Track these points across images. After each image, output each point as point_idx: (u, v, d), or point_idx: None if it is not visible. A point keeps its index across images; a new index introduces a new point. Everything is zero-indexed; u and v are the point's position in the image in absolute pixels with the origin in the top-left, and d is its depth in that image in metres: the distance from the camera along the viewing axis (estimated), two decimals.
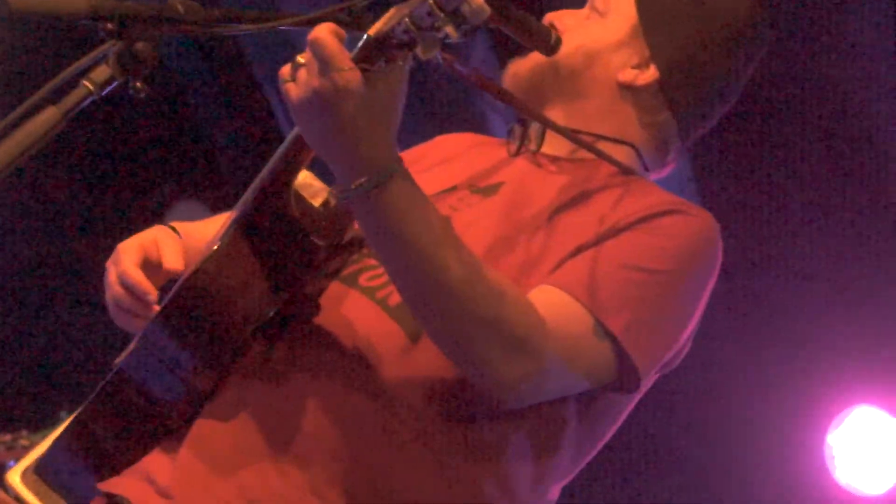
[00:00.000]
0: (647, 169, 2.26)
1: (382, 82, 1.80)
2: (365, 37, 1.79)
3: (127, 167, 5.89)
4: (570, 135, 2.18)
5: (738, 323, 4.49)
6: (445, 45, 1.77)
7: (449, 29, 1.71)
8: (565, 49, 2.12)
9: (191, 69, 5.89)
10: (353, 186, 1.83)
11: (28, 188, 5.50)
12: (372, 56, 1.78)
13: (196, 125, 6.05)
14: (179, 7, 1.83)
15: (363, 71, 1.78)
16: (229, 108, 5.97)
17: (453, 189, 2.19)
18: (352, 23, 1.92)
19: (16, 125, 1.73)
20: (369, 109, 1.79)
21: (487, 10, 1.72)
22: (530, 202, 2.14)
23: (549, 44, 2.07)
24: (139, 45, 1.79)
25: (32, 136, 1.74)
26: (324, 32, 1.79)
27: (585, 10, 2.31)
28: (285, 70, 1.84)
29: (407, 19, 1.73)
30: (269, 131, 5.54)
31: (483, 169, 2.25)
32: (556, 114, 2.22)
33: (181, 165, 5.98)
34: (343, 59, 1.77)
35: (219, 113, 6.02)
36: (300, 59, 1.81)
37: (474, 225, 2.08)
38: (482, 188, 2.20)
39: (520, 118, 2.29)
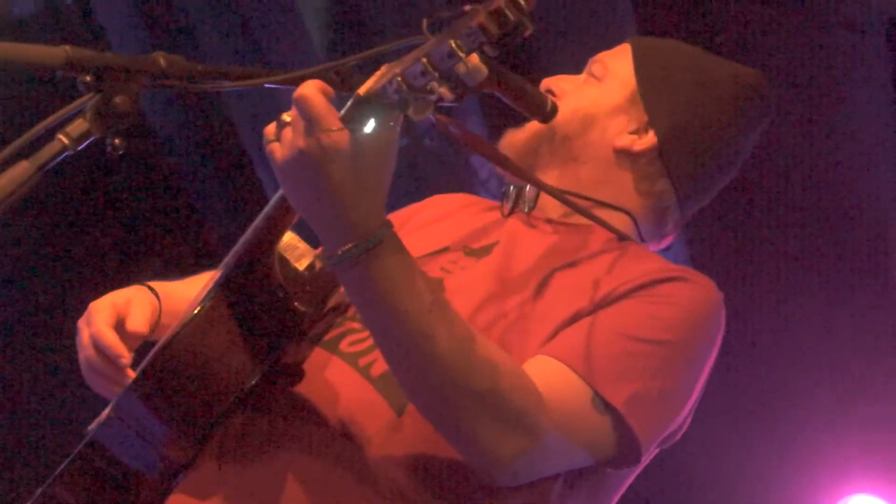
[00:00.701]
0: (643, 239, 2.23)
1: (372, 144, 1.74)
2: (354, 95, 1.74)
3: (104, 221, 5.85)
4: (564, 197, 2.14)
5: (733, 406, 4.44)
6: (438, 108, 1.72)
7: (443, 90, 1.67)
8: (562, 114, 2.09)
9: (173, 122, 5.89)
10: (339, 252, 1.77)
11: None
12: (361, 116, 1.73)
13: (178, 180, 6.04)
14: (161, 61, 1.79)
15: (352, 131, 1.72)
16: (212, 165, 5.97)
17: (445, 250, 2.16)
18: (340, 82, 1.88)
19: None
20: (358, 172, 1.73)
21: (484, 71, 1.68)
22: (523, 263, 2.10)
23: (546, 111, 2.04)
24: (118, 99, 1.74)
25: (4, 191, 1.68)
26: (310, 90, 1.73)
27: (583, 76, 2.29)
28: (270, 129, 1.78)
29: (399, 78, 1.68)
30: (254, 191, 5.53)
31: (476, 230, 2.21)
32: (551, 178, 2.19)
33: (161, 221, 5.95)
34: (330, 118, 1.72)
35: (202, 169, 6.01)
36: (285, 117, 1.76)
37: (466, 288, 2.04)
38: (475, 250, 2.16)
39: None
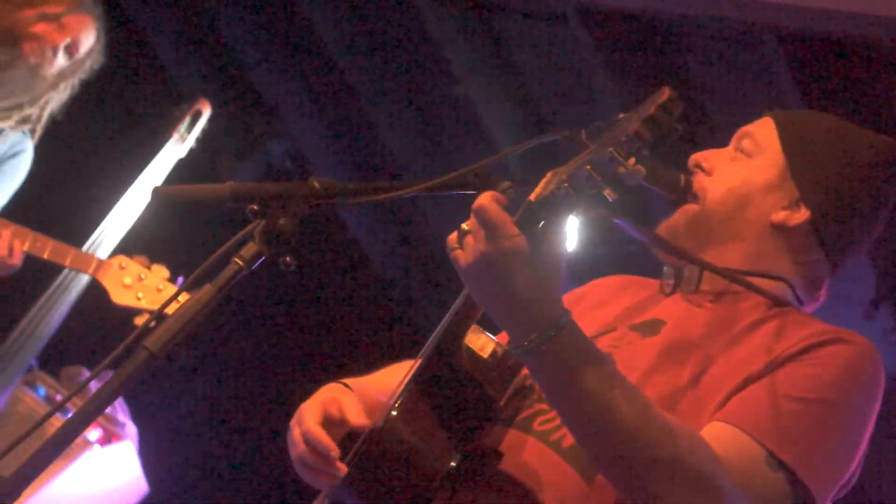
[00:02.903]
0: (801, 302, 2.31)
1: (546, 243, 1.90)
2: (526, 202, 1.90)
3: (308, 325, 6.10)
4: (730, 275, 2.23)
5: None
6: (605, 204, 1.87)
7: (607, 191, 1.83)
8: (717, 194, 2.24)
9: (368, 228, 6.13)
10: (525, 343, 1.92)
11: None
12: (533, 219, 1.89)
13: (375, 279, 6.26)
14: (316, 184, 1.98)
15: (526, 234, 1.88)
16: (408, 265, 6.17)
17: (612, 329, 2.28)
18: (480, 184, 2.06)
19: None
20: (535, 269, 1.89)
21: (643, 171, 1.83)
22: (689, 338, 2.20)
23: (679, 186, 2.21)
24: (282, 222, 1.93)
25: (192, 312, 1.89)
26: (487, 200, 1.90)
27: (730, 150, 2.37)
28: (452, 238, 1.95)
29: (566, 184, 1.85)
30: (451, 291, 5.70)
31: (638, 308, 2.33)
32: (710, 255, 2.27)
33: (360, 322, 6.16)
34: (507, 223, 1.88)
35: (395, 267, 6.23)
36: (465, 226, 1.92)
37: (635, 362, 2.16)
38: (639, 325, 2.27)
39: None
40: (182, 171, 4.58)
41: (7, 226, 3.81)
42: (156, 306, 3.77)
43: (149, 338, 1.86)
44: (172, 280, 3.82)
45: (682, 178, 2.26)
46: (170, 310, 3.56)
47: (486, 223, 1.88)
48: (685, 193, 2.25)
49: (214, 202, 1.93)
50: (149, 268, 3.82)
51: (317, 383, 2.34)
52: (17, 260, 3.81)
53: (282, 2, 5.56)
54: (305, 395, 2.28)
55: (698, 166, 2.32)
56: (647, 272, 2.47)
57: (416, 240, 6.04)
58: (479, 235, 1.89)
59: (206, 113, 4.66)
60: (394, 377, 2.27)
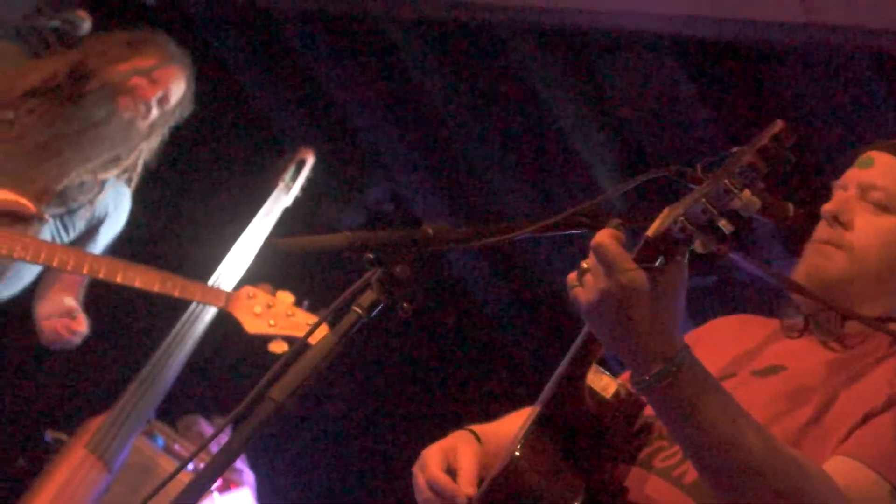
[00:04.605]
0: None
1: (664, 278, 1.90)
2: (644, 237, 1.91)
3: (426, 372, 6.14)
4: (877, 325, 2.23)
5: None
6: (721, 237, 1.87)
7: (723, 223, 1.83)
8: (873, 254, 2.26)
9: (482, 275, 6.16)
10: (647, 378, 1.93)
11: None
12: (652, 254, 1.90)
13: (494, 328, 6.28)
14: (430, 230, 2.01)
15: (645, 269, 1.89)
16: (523, 309, 6.18)
17: (733, 375, 2.28)
18: (590, 223, 2.10)
19: (299, 353, 1.92)
20: (655, 305, 1.90)
21: (758, 203, 1.83)
22: (813, 383, 2.20)
23: (788, 215, 2.20)
24: (398, 269, 1.96)
25: (315, 360, 1.93)
26: (605, 238, 1.91)
27: (854, 195, 2.36)
28: (572, 277, 1.96)
29: (682, 218, 1.85)
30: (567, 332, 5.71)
31: (758, 352, 2.33)
32: (857, 305, 2.27)
33: (480, 367, 6.19)
34: (626, 260, 1.89)
35: (514, 314, 6.24)
36: (584, 264, 1.93)
37: (756, 406, 2.14)
38: (761, 371, 2.28)
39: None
40: (285, 215, 4.65)
41: (130, 267, 3.88)
42: (289, 332, 3.83)
43: (274, 389, 1.89)
44: (298, 304, 3.87)
45: (791, 208, 2.25)
46: (277, 348, 3.72)
47: (605, 260, 1.90)
48: (792, 221, 2.24)
49: (332, 252, 1.96)
50: (274, 295, 3.87)
51: (432, 427, 2.38)
52: (83, 327, 3.91)
53: (378, 48, 5.62)
54: (421, 439, 2.31)
55: (836, 219, 2.32)
56: (735, 297, 2.44)
57: (520, 277, 6.06)
58: (598, 272, 1.91)
59: (310, 161, 4.73)
60: (517, 421, 2.29)
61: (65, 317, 4.05)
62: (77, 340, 4.12)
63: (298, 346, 1.95)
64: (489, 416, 2.47)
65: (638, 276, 1.88)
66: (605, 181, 5.29)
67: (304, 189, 4.71)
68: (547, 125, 5.39)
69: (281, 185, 4.67)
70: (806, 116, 4.69)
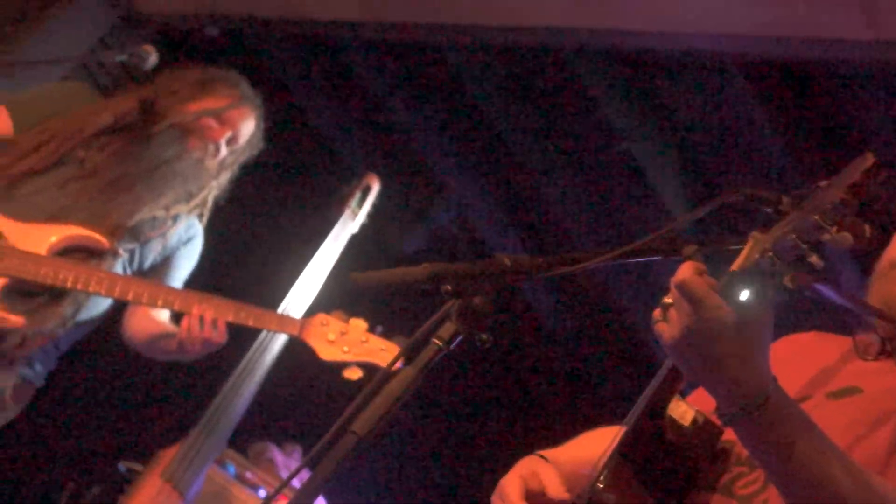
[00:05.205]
0: None
1: (752, 313, 1.89)
2: (729, 272, 1.90)
3: (494, 397, 6.13)
4: None
5: None
6: (811, 271, 1.87)
7: (814, 259, 1.83)
8: None
9: (555, 307, 6.15)
10: (734, 411, 1.92)
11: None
12: (737, 289, 1.88)
13: (567, 359, 6.27)
14: (506, 261, 2.01)
15: (731, 305, 1.87)
16: (596, 341, 6.17)
17: (808, 398, 2.26)
18: (665, 250, 2.08)
19: (377, 389, 1.93)
20: (743, 339, 1.89)
21: (850, 238, 1.84)
22: (892, 404, 2.18)
23: (866, 237, 2.18)
24: (476, 301, 1.96)
25: (395, 394, 1.93)
26: (689, 274, 1.90)
27: None
28: (657, 313, 1.95)
29: (770, 253, 1.85)
30: (637, 360, 5.68)
31: (832, 372, 2.32)
32: None
33: (554, 398, 6.18)
34: (712, 296, 1.88)
35: (588, 345, 6.23)
36: (667, 300, 1.92)
37: (834, 426, 2.12)
38: (836, 394, 2.26)
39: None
40: (351, 240, 4.68)
41: (205, 299, 3.91)
42: (363, 358, 3.83)
43: (356, 422, 1.90)
44: (371, 330, 3.88)
45: (868, 230, 2.24)
46: (351, 374, 3.72)
47: (691, 297, 1.88)
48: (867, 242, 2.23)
49: (411, 285, 1.97)
50: (347, 321, 3.88)
51: (507, 456, 2.36)
52: (223, 337, 3.91)
53: (441, 74, 5.64)
54: (493, 469, 2.31)
55: None
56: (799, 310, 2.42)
57: (586, 302, 6.05)
58: (683, 309, 1.90)
59: (376, 188, 4.76)
60: (588, 447, 2.30)
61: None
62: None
63: (380, 379, 1.96)
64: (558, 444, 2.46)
65: (725, 314, 1.87)
66: (670, 204, 5.27)
67: (370, 215, 4.74)
68: (612, 148, 5.38)
69: (347, 212, 4.69)
70: (872, 135, 4.66)
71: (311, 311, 4.19)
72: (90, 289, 3.89)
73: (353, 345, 3.84)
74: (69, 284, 3.89)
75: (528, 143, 5.70)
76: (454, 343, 1.98)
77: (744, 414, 1.91)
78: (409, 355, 1.98)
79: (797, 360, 2.40)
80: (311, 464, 1.94)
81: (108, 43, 5.66)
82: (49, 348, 4.13)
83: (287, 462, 4.99)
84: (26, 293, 3.96)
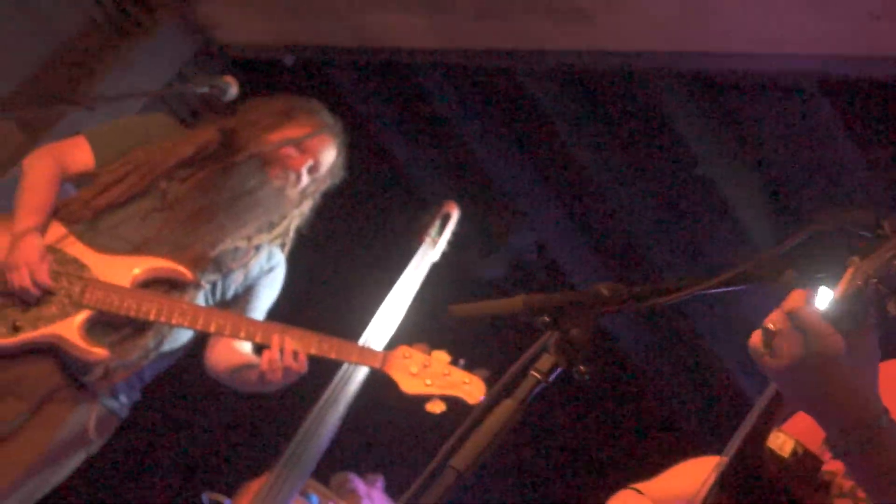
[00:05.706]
0: None
1: (859, 341, 1.86)
2: (834, 299, 1.87)
3: (578, 428, 6.10)
4: None
5: None
6: None
7: None
8: None
9: (640, 339, 6.11)
10: (846, 441, 1.89)
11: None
12: (842, 316, 1.86)
13: (654, 393, 6.23)
14: (604, 291, 1.98)
15: (838, 332, 1.85)
16: (682, 374, 6.12)
17: None
18: (764, 276, 2.03)
19: (477, 423, 1.90)
20: (853, 369, 1.86)
21: None
22: None
23: None
24: (574, 332, 1.94)
25: (495, 429, 1.90)
26: (801, 302, 1.86)
27: None
28: (756, 340, 1.90)
29: (874, 280, 1.83)
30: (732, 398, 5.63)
31: None
32: None
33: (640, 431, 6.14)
34: (823, 326, 1.84)
35: (674, 379, 6.19)
36: (769, 325, 1.88)
37: None
38: None
39: None
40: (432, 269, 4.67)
41: (286, 331, 3.91)
42: (446, 391, 3.80)
43: (456, 457, 1.87)
44: (454, 363, 3.85)
45: None
46: (434, 408, 3.69)
47: (804, 327, 1.85)
48: None
49: (508, 316, 1.95)
50: (429, 354, 3.86)
51: (600, 490, 2.35)
52: (304, 368, 3.91)
53: (517, 100, 5.64)
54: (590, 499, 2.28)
55: None
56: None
57: (668, 329, 6.01)
58: (793, 338, 1.86)
59: (455, 215, 4.74)
60: (682, 478, 2.27)
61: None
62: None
63: (477, 416, 1.93)
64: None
65: (836, 343, 1.84)
66: (755, 231, 5.22)
67: (450, 243, 4.72)
68: (693, 173, 5.34)
69: (427, 240, 4.67)
70: None
71: (393, 342, 4.17)
72: (173, 321, 3.91)
73: (436, 377, 3.81)
74: (152, 317, 3.91)
75: (607, 168, 5.67)
76: (553, 375, 1.95)
77: (856, 446, 1.88)
78: (504, 388, 1.95)
79: (889, 387, 2.34)
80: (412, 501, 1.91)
81: (187, 74, 5.71)
82: (133, 379, 4.14)
83: (369, 492, 4.97)
84: (110, 325, 3.98)
